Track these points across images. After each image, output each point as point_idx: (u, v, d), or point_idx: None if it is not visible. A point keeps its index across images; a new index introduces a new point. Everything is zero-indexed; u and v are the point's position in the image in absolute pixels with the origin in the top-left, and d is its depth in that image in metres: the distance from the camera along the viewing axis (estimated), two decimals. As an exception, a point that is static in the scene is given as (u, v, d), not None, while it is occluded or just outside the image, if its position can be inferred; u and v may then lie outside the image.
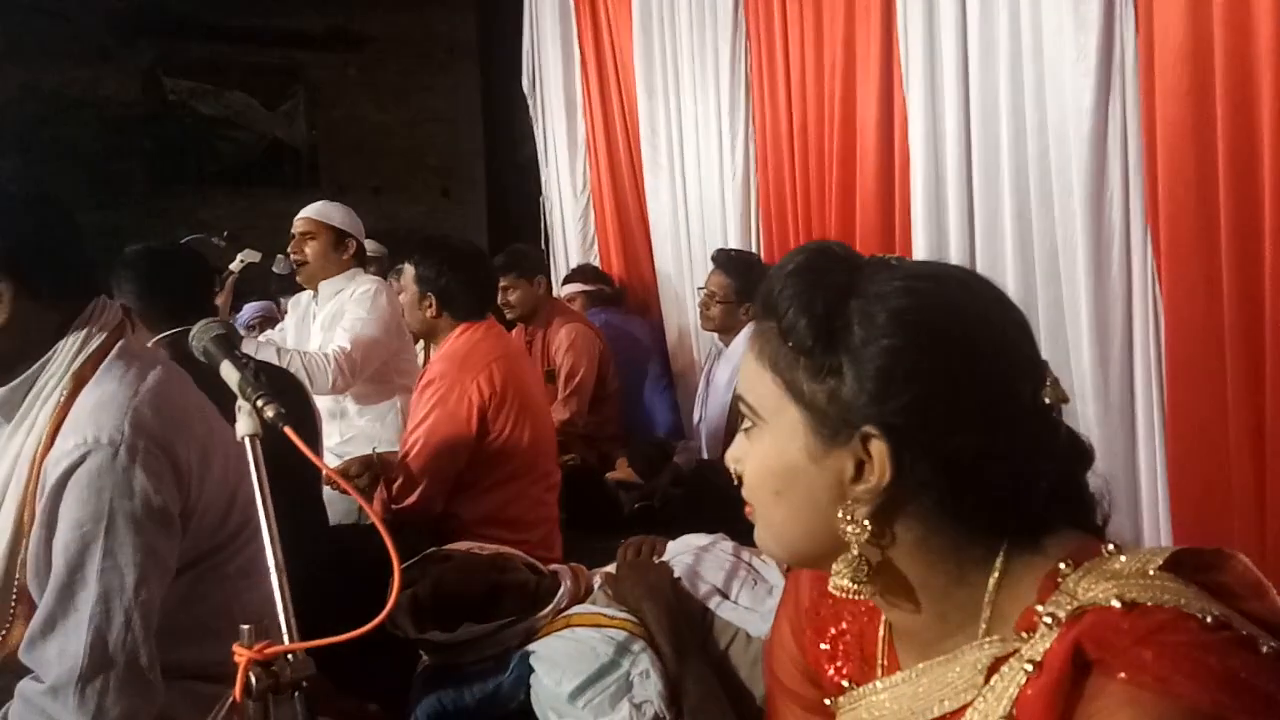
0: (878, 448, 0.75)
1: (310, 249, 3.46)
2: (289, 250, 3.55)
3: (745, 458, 0.83)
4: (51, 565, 1.30)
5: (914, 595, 0.79)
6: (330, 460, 3.04)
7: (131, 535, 1.29)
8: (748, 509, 0.84)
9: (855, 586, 0.76)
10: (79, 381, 1.37)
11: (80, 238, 1.47)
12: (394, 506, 2.65)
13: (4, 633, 1.34)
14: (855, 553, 0.76)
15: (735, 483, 0.85)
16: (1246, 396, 2.09)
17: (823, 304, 0.77)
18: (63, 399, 1.36)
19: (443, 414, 2.66)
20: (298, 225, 3.51)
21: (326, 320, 3.46)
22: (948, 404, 0.74)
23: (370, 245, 4.27)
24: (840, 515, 0.76)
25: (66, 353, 1.38)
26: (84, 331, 1.40)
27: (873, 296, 0.76)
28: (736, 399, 0.85)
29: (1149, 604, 0.66)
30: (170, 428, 1.36)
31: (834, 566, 0.78)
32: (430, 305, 2.78)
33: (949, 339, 0.76)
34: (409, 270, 2.84)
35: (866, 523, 0.76)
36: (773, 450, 0.80)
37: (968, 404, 0.74)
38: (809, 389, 0.77)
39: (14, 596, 1.34)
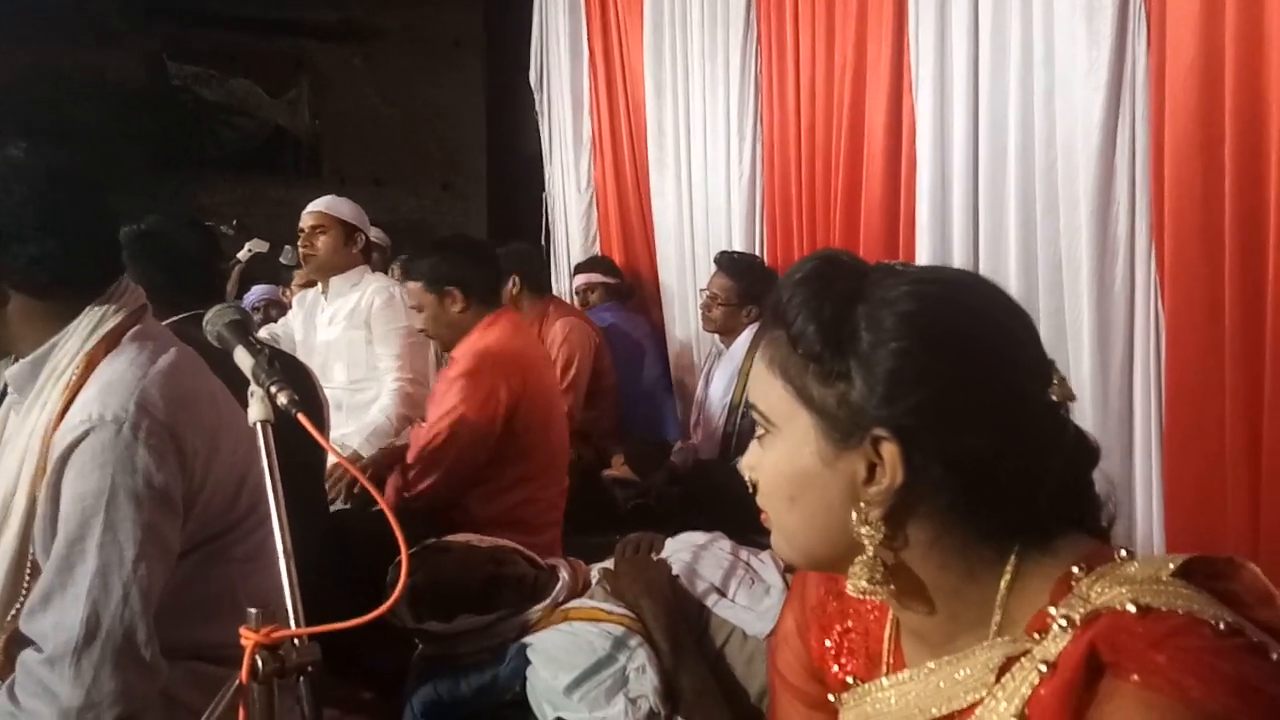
0: (889, 449, 0.76)
1: (321, 242, 3.47)
2: (299, 244, 3.53)
3: (759, 465, 0.84)
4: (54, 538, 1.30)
5: (927, 596, 0.80)
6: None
7: (133, 511, 1.28)
8: (763, 516, 0.85)
9: (872, 588, 0.77)
10: (91, 361, 1.36)
11: (108, 219, 1.46)
12: (406, 494, 2.65)
13: (19, 607, 1.33)
14: (871, 554, 0.77)
15: (750, 490, 0.86)
16: (1244, 410, 2.10)
17: (830, 310, 0.78)
18: (74, 378, 1.35)
19: (471, 408, 2.65)
20: (307, 219, 3.50)
21: (336, 316, 3.46)
22: (957, 404, 0.75)
23: (374, 232, 4.25)
24: (854, 518, 0.77)
25: (80, 331, 1.37)
26: (101, 310, 1.39)
27: (879, 301, 0.77)
28: (748, 407, 0.86)
29: (1163, 609, 0.67)
30: (176, 410, 1.35)
31: (851, 569, 0.79)
32: (455, 298, 2.74)
33: (956, 340, 0.77)
34: (414, 286, 2.79)
35: (880, 524, 0.77)
36: (786, 456, 0.81)
37: (976, 404, 0.75)
38: (819, 394, 0.78)
39: (28, 571, 1.34)
